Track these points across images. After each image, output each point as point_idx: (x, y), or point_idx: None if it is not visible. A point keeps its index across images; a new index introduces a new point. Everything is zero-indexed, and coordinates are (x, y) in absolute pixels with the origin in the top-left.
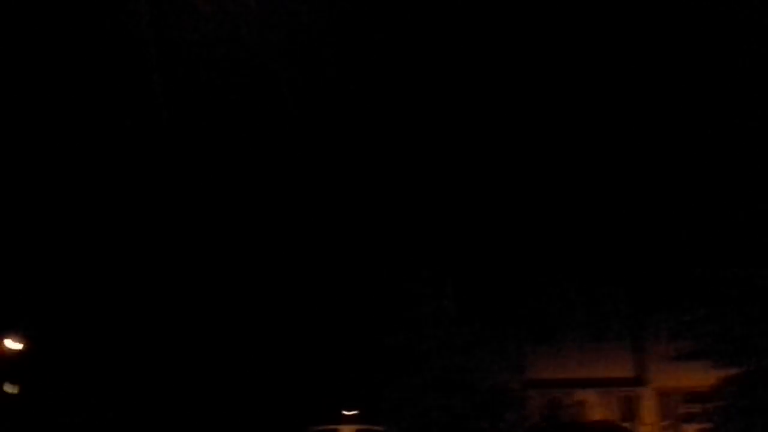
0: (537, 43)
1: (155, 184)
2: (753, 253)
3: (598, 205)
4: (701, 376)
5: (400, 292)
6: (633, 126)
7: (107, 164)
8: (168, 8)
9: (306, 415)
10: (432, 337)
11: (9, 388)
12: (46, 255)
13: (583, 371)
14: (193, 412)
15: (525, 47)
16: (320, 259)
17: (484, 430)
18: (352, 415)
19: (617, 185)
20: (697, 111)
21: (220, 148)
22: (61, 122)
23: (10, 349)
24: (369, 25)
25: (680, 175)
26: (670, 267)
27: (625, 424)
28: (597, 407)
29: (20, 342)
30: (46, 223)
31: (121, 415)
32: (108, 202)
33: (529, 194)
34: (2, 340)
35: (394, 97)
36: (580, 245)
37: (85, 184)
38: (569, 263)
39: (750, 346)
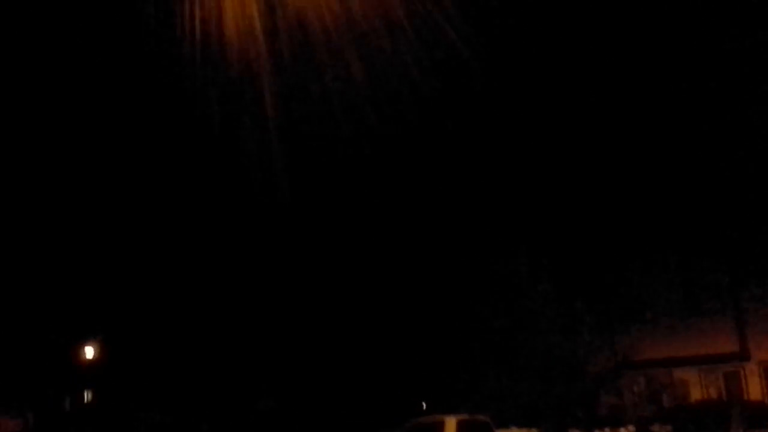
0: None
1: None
2: None
3: (692, 181)
4: None
5: (499, 277)
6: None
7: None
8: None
9: (408, 405)
10: (531, 321)
11: (87, 395)
12: (123, 265)
13: (683, 349)
14: (288, 407)
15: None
16: (418, 245)
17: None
18: (455, 404)
19: (711, 160)
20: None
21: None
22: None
23: (87, 358)
24: None
25: None
26: None
27: (731, 402)
28: (698, 386)
29: (97, 350)
30: (124, 235)
31: (200, 418)
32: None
33: (625, 173)
34: (82, 348)
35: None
36: (676, 220)
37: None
38: (666, 239)
39: None
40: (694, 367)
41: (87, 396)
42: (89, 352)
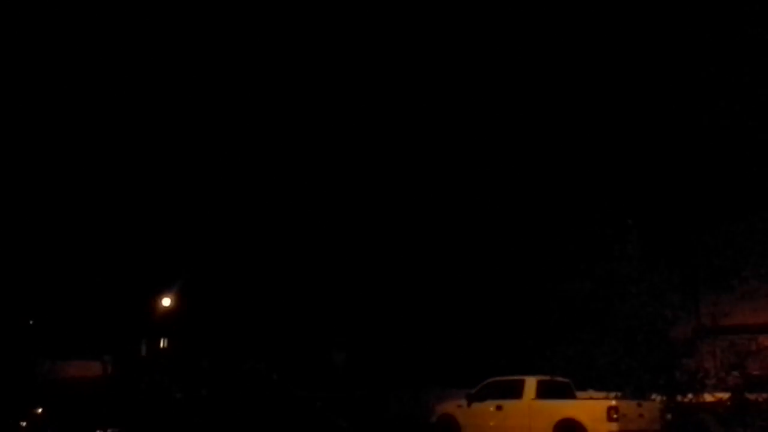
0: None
1: None
2: None
3: None
4: None
5: (582, 239)
6: None
7: None
8: None
9: (483, 364)
10: (615, 284)
11: (162, 343)
12: (203, 216)
13: None
14: (361, 360)
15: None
16: (497, 207)
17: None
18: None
19: None
20: None
21: None
22: None
23: (164, 307)
24: None
25: None
26: None
27: None
28: None
29: (174, 299)
30: (206, 188)
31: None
32: None
33: (709, 133)
34: (159, 297)
35: None
36: (761, 178)
37: None
38: (749, 196)
39: None
40: None
41: (163, 343)
42: (166, 301)
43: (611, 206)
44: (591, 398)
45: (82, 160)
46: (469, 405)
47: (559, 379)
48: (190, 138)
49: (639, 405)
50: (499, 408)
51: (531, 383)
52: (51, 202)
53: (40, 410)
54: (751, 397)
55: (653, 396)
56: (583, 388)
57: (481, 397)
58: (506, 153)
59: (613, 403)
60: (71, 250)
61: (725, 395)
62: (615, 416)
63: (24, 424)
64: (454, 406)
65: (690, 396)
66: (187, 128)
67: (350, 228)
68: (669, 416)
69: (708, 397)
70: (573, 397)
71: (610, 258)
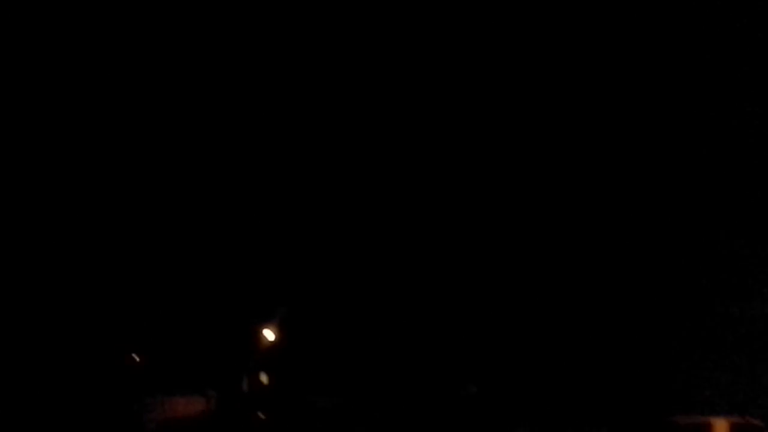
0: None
1: None
2: None
3: None
4: None
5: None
6: None
7: None
8: None
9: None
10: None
11: (263, 378)
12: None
13: None
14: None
15: None
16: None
17: None
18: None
19: None
20: None
21: None
22: None
23: (266, 340)
24: None
25: None
26: None
27: None
28: None
29: (275, 333)
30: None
31: (374, 404)
32: None
33: None
34: (259, 331)
35: None
36: None
37: None
38: None
39: None
40: None
41: (264, 378)
42: (269, 334)
43: None
44: None
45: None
46: None
47: (754, 421)
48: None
49: None
50: None
51: (722, 427)
52: (150, 231)
53: None
54: None
55: None
56: None
57: None
58: None
59: None
60: (173, 280)
61: None
62: None
63: None
64: None
65: None
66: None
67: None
68: None
69: None
70: None
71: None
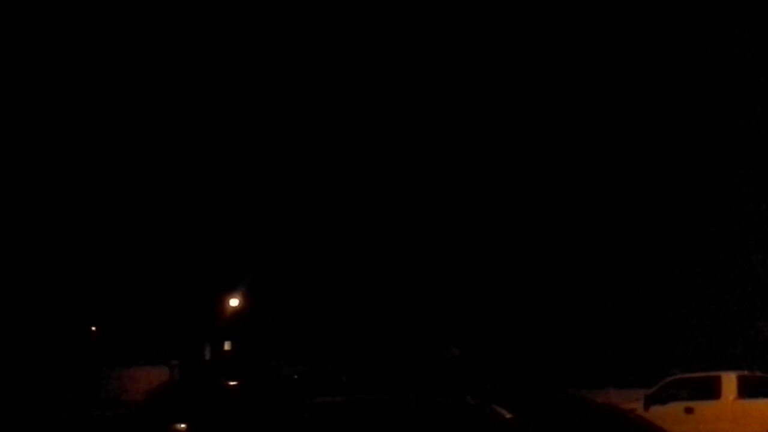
0: None
1: None
2: None
3: None
4: None
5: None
6: None
7: None
8: None
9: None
10: None
11: (226, 346)
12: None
13: None
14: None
15: None
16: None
17: None
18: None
19: None
20: None
21: None
22: None
23: (231, 308)
24: None
25: None
26: None
27: None
28: None
29: (241, 300)
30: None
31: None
32: None
33: None
34: (226, 298)
35: None
36: None
37: None
38: None
39: None
40: None
41: (227, 346)
42: (234, 301)
43: None
44: None
45: (142, 159)
46: (646, 408)
47: (759, 374)
48: (254, 133)
49: None
50: (689, 411)
51: (730, 381)
52: (112, 203)
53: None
54: None
55: None
56: None
57: (662, 398)
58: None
59: None
60: (133, 252)
61: None
62: None
63: None
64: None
65: None
66: (255, 125)
67: (468, 216)
68: None
69: None
70: None
71: None
